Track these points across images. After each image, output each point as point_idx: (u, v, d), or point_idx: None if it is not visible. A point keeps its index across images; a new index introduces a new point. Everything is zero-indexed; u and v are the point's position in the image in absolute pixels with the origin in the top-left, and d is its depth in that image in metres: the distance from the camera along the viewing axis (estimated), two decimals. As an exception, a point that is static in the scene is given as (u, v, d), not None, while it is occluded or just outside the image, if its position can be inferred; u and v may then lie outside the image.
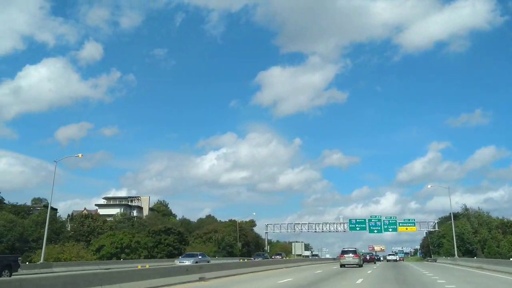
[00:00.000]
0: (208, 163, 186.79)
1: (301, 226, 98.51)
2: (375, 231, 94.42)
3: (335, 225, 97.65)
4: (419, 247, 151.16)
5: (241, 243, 79.24)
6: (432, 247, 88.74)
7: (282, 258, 60.88)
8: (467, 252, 65.42)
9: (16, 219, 57.38)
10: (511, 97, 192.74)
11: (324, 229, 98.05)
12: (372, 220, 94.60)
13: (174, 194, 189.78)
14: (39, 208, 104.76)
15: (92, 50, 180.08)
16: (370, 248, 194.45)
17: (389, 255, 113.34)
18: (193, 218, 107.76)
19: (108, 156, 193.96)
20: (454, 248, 57.32)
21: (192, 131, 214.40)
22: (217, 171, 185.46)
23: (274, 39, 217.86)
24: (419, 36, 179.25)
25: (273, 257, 65.08)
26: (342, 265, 39.48)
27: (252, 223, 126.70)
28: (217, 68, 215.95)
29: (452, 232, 60.00)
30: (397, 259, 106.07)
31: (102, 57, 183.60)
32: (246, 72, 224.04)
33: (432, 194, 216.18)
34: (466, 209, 71.40)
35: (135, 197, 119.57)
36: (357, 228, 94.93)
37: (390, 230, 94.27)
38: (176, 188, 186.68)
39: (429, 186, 67.55)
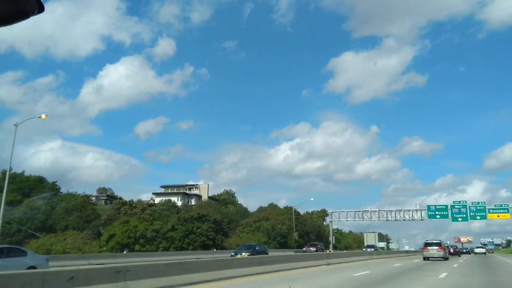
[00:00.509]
0: (282, 154, 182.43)
1: (371, 214, 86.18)
2: (459, 219, 79.89)
3: (410, 212, 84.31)
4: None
5: (297, 233, 69.08)
6: None
7: (317, 250, 47.43)
8: None
9: (40, 205, 51.79)
10: None
11: (398, 217, 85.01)
12: (456, 207, 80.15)
13: (249, 185, 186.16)
14: (102, 198, 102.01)
15: (165, 47, 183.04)
16: (455, 240, 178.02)
17: (477, 247, 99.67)
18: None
19: (184, 149, 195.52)
20: None
21: (265, 122, 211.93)
22: (291, 162, 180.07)
23: (345, 24, 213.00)
24: (505, 10, 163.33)
25: (304, 248, 52.89)
26: (425, 258, 37.83)
27: (323, 213, 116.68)
28: (288, 57, 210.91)
29: None
30: (486, 252, 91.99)
31: (175, 53, 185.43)
32: (318, 60, 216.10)
33: None
34: None
35: (193, 185, 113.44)
36: (437, 216, 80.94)
37: (478, 218, 79.30)
38: (251, 179, 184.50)
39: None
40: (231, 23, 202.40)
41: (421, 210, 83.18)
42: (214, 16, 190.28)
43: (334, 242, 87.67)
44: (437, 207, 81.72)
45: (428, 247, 38.62)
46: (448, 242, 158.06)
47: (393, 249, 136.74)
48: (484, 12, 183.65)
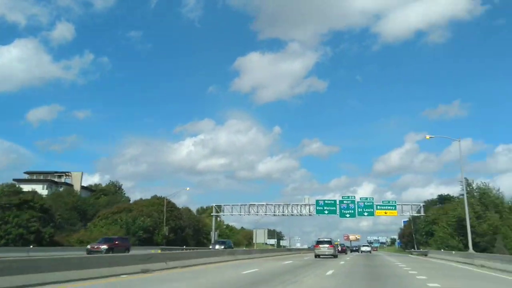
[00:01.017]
0: (185, 149, 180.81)
1: (257, 208, 78.40)
2: (347, 215, 74.78)
3: (299, 207, 77.76)
4: (398, 234, 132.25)
5: (167, 227, 58.60)
6: (418, 236, 69.29)
7: (110, 250, 30.97)
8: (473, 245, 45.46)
9: None
10: (490, 89, 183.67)
11: (286, 212, 78.10)
12: (344, 202, 74.93)
13: (150, 180, 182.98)
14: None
15: (63, 31, 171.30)
16: (345, 237, 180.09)
17: (364, 245, 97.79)
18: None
19: (81, 139, 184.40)
20: (468, 238, 36.42)
21: (169, 116, 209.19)
22: (194, 158, 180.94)
23: (252, 24, 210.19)
24: (398, 25, 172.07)
25: (89, 246, 37.43)
26: (317, 256, 38.57)
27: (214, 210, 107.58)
28: (195, 52, 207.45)
29: (465, 215, 39.66)
30: (371, 250, 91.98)
31: (74, 38, 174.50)
32: (225, 57, 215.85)
33: (408, 185, 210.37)
34: (468, 184, 50.15)
35: (64, 172, 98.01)
36: (326, 212, 75.20)
37: (366, 214, 74.66)
38: (152, 174, 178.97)
39: (427, 137, 42.40)
40: (136, 12, 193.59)
41: (309, 205, 77.03)
42: (118, 3, 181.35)
43: (217, 238, 78.56)
44: (326, 202, 76.03)
45: (320, 245, 39.38)
46: (338, 240, 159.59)
47: (284, 246, 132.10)
48: (379, 26, 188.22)
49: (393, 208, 73.45)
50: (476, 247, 44.02)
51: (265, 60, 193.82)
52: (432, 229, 59.35)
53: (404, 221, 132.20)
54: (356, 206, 74.14)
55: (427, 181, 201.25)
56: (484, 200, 45.67)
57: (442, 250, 46.89)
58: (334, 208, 74.93)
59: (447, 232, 48.28)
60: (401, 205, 74.50)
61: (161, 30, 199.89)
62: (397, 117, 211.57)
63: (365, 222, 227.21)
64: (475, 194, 47.08)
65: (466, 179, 48.74)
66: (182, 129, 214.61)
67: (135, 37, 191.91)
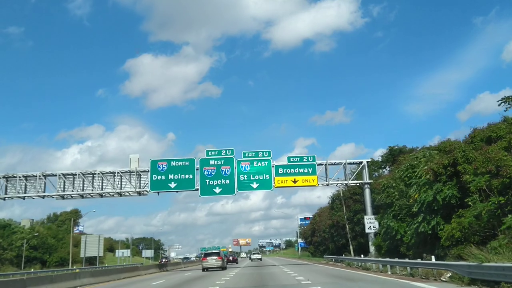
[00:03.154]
0: (70, 157, 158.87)
1: (23, 181, 34.69)
2: (217, 190, 33.85)
3: (116, 179, 35.16)
4: (297, 232, 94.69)
5: None
6: (382, 227, 28.36)
7: None
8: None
9: None
10: (370, 97, 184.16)
11: (89, 188, 35.04)
12: (211, 162, 34.19)
13: None
14: None
15: None
16: (234, 243, 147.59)
17: (254, 253, 79.91)
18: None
19: None
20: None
21: (52, 121, 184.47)
22: (80, 166, 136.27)
23: (142, 25, 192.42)
24: (288, 33, 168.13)
25: None
26: (204, 269, 33.77)
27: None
28: (83, 52, 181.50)
29: None
30: (261, 258, 71.48)
31: None
32: (115, 59, 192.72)
33: (297, 189, 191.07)
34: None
35: None
36: (171, 185, 33.82)
37: (255, 186, 34.29)
38: None
39: None
40: (14, 6, 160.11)
41: (138, 174, 35.04)
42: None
43: None
44: (174, 164, 34.67)
45: (207, 258, 34.68)
46: (230, 246, 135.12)
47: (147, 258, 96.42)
48: (270, 33, 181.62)
49: (310, 170, 34.19)
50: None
51: (158, 63, 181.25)
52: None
53: (301, 219, 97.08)
54: (235, 171, 33.93)
55: (313, 187, 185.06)
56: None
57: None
58: (191, 176, 33.93)
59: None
60: (324, 165, 35.45)
61: (45, 27, 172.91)
62: (287, 122, 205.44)
63: (256, 227, 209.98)
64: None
65: None
66: (67, 135, 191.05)
67: (14, 34, 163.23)
